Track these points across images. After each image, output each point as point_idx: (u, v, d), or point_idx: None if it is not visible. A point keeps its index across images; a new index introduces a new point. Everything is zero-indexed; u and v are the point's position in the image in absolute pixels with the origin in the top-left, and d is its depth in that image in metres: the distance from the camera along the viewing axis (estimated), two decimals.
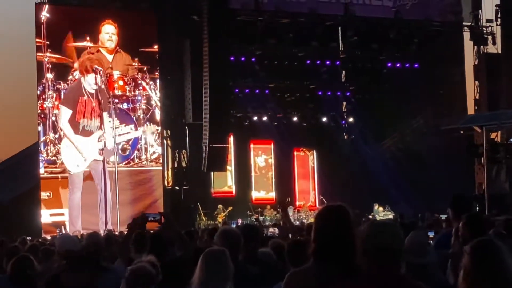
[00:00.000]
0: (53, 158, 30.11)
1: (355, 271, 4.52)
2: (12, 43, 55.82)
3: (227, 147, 32.02)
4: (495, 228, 8.79)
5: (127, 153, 31.25)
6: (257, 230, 8.25)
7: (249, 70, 34.97)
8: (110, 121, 30.43)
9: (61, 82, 30.29)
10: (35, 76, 30.34)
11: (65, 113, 29.95)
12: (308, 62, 36.11)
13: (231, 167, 34.69)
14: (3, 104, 57.38)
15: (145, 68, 31.60)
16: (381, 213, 33.11)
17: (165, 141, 32.85)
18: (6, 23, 53.97)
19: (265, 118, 35.83)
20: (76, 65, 30.33)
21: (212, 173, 33.73)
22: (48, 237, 22.15)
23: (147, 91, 31.69)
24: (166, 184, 32.58)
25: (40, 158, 30.08)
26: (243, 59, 34.64)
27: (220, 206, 33.06)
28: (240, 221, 32.34)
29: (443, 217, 25.53)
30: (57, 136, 30.11)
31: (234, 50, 33.42)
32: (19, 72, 58.18)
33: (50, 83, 30.04)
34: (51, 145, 30.03)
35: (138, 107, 31.50)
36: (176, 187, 32.78)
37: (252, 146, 36.40)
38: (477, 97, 37.87)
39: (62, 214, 29.94)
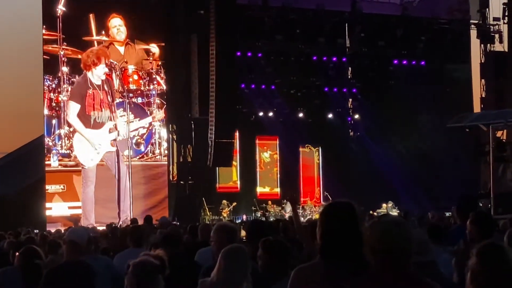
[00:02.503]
0: (67, 151, 30.20)
1: (363, 269, 4.52)
2: (19, 36, 55.91)
3: (233, 142, 32.02)
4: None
5: (141, 147, 31.34)
6: (263, 226, 8.22)
7: (256, 66, 34.99)
8: (124, 115, 30.53)
9: (77, 76, 30.32)
10: (41, 68, 30.36)
11: (73, 108, 29.95)
12: (315, 58, 36.10)
13: (236, 163, 34.72)
14: (9, 97, 57.48)
15: (159, 63, 31.65)
16: (389, 211, 33.08)
17: (170, 136, 32.85)
18: (13, 16, 53.98)
19: (271, 114, 35.83)
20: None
21: (217, 168, 33.77)
22: (53, 230, 22.18)
23: (162, 86, 31.75)
24: (171, 178, 32.61)
25: (54, 151, 30.16)
26: (249, 54, 34.66)
27: (224, 201, 33.09)
28: (244, 216, 32.41)
29: (447, 214, 25.53)
30: (71, 129, 30.17)
31: (240, 46, 33.40)
32: (25, 64, 58.27)
33: (65, 77, 30.12)
34: (66, 138, 30.12)
35: (152, 102, 31.57)
36: (181, 182, 32.79)
37: (257, 141, 36.41)
38: (483, 95, 37.82)
39: (79, 207, 30.06)
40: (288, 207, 33.29)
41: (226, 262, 5.74)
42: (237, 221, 28.67)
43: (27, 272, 7.47)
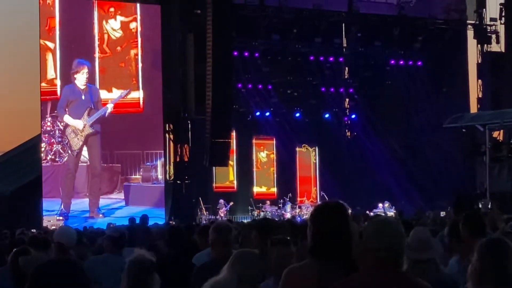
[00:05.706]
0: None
1: (353, 269, 4.53)
2: (15, 34, 55.80)
3: (230, 142, 32.02)
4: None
5: None
6: (272, 225, 7.99)
7: (252, 66, 34.98)
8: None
9: None
10: (38, 66, 30.38)
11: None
12: (312, 58, 36.09)
13: (233, 162, 34.71)
14: (6, 96, 57.40)
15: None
16: (386, 211, 33.07)
17: (167, 135, 32.86)
18: (9, 11, 53.89)
19: (267, 114, 35.83)
20: None
21: (214, 167, 33.77)
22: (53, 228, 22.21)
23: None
24: (167, 177, 32.61)
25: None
26: (246, 54, 34.65)
27: (221, 200, 33.07)
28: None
29: (442, 213, 25.55)
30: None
31: (237, 45, 33.40)
32: (22, 62, 58.17)
33: None
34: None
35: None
36: (178, 181, 32.79)
37: (254, 141, 36.40)
38: (480, 96, 37.83)
39: None
40: (289, 207, 33.35)
41: (233, 266, 5.49)
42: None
43: (16, 273, 7.48)
